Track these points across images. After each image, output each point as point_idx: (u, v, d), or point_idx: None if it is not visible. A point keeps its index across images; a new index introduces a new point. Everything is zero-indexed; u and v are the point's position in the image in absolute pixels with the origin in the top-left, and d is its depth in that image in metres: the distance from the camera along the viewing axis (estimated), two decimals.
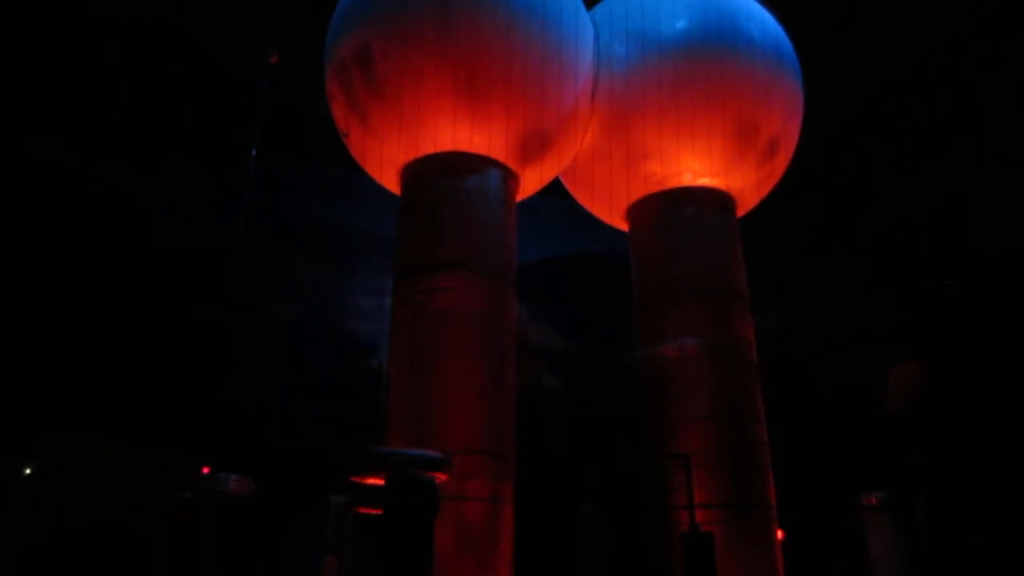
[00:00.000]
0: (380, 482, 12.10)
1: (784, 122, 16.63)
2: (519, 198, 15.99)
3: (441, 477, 11.15)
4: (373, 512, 13.00)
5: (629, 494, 15.48)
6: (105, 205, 19.08)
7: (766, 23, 16.77)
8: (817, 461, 17.63)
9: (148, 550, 16.54)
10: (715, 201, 16.57)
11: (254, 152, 16.58)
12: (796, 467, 16.25)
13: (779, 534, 14.67)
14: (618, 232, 18.19)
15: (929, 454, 15.73)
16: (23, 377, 16.25)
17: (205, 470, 14.20)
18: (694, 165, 16.21)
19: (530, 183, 16.21)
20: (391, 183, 16.07)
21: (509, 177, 15.32)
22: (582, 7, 15.91)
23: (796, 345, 20.44)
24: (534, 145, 15.17)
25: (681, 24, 16.01)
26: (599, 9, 16.91)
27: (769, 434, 15.32)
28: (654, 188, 16.50)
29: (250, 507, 15.89)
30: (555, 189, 17.76)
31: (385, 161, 15.55)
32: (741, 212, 17.38)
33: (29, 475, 13.47)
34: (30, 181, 18.09)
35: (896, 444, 17.38)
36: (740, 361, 15.49)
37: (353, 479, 12.27)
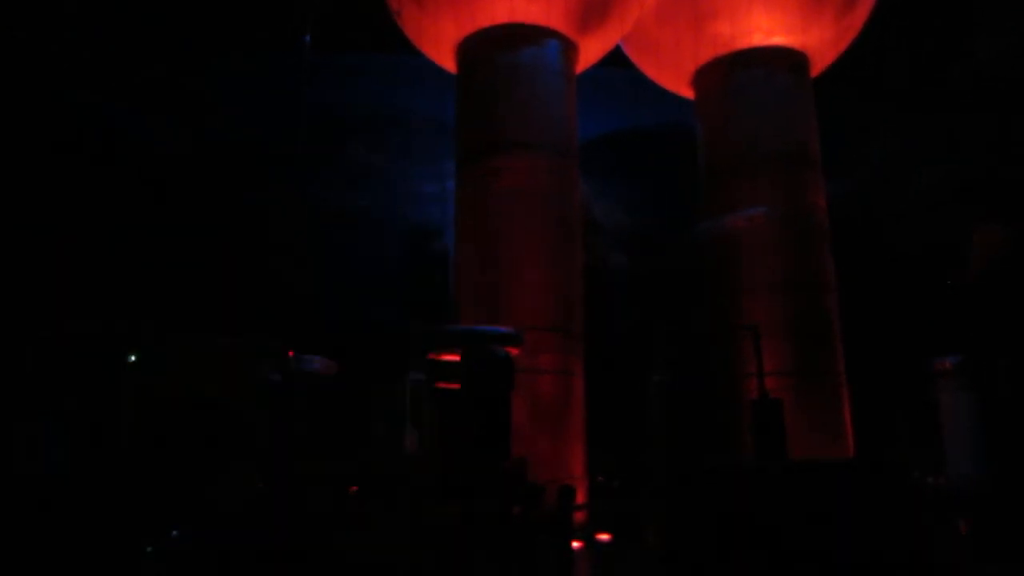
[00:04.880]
0: (455, 358, 12.60)
1: None
2: (579, 69, 15.39)
3: (513, 351, 11.51)
4: (450, 387, 13.64)
5: (698, 365, 15.69)
6: (164, 105, 19.28)
7: None
8: (890, 328, 17.37)
9: (244, 428, 17.91)
10: (787, 61, 15.59)
11: (307, 40, 16.29)
12: (869, 334, 16.07)
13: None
14: (684, 101, 17.43)
15: (1014, 317, 15.27)
16: (124, 274, 17.21)
17: (290, 353, 15.01)
18: (765, 22, 15.15)
19: (590, 53, 15.50)
20: (447, 62, 15.64)
21: (568, 48, 14.68)
22: None
23: (871, 210, 19.68)
24: (594, 10, 14.39)
25: None
26: None
27: (842, 301, 15.10)
28: (722, 50, 15.57)
29: (335, 386, 16.87)
30: (616, 58, 16.95)
31: (440, 39, 15.08)
32: (815, 72, 16.34)
33: (134, 362, 14.60)
34: (84, 83, 18.35)
35: (975, 309, 16.91)
36: (811, 229, 15.10)
37: (430, 356, 12.80)
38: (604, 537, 12.11)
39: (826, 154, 15.87)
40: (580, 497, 12.75)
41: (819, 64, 16.28)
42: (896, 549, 8.59)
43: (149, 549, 9.26)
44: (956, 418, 15.10)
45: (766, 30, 15.27)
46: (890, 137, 21.18)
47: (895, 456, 14.39)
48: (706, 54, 15.79)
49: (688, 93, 17.01)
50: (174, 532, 9.50)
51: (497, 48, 14.23)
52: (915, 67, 20.84)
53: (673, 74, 16.73)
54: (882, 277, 18.37)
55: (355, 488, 17.00)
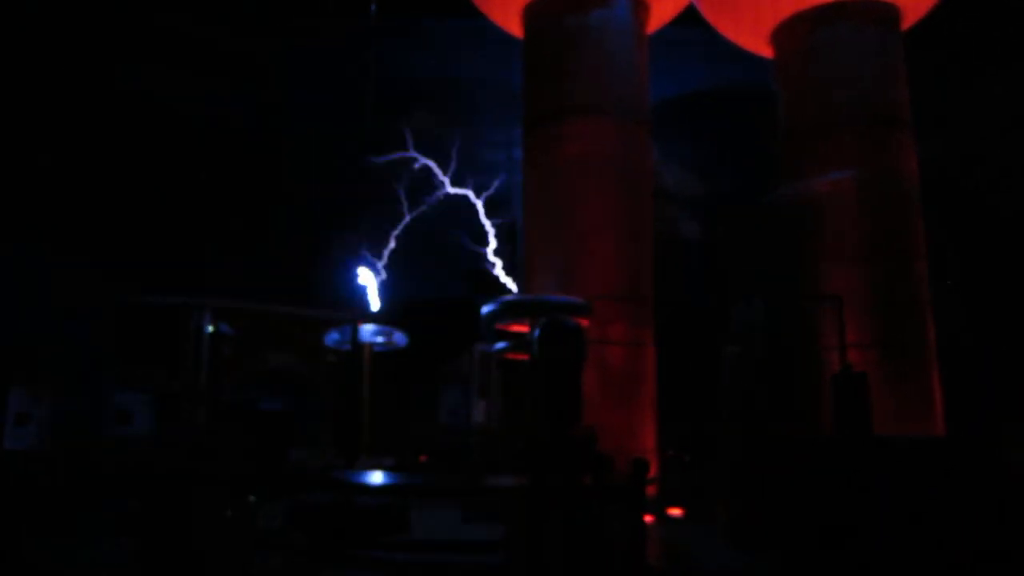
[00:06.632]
0: (524, 329, 12.48)
1: None
2: (651, 29, 14.80)
3: (584, 322, 11.28)
4: (519, 357, 13.56)
5: (773, 336, 15.10)
6: (228, 73, 19.58)
7: None
8: (989, 298, 16.31)
9: (316, 395, 18.41)
10: (875, 14, 14.59)
11: (373, 8, 16.22)
12: (964, 305, 15.12)
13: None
14: (762, 61, 16.57)
15: None
16: (201, 248, 17.77)
17: (360, 324, 15.23)
18: None
19: (663, 12, 14.89)
20: (513, 26, 15.30)
21: (639, 7, 14.14)
22: None
23: (965, 174, 18.42)
24: None
25: None
26: None
27: (932, 270, 14.23)
28: (804, 5, 14.67)
29: (404, 357, 17.05)
30: (690, 17, 16.21)
31: (506, 2, 14.77)
32: (907, 25, 15.24)
33: (213, 334, 15.15)
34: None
35: None
36: (899, 193, 14.22)
37: (498, 327, 12.72)
38: (676, 512, 11.87)
39: (918, 113, 14.84)
40: (651, 470, 12.52)
41: (911, 16, 15.18)
42: (981, 530, 8.10)
43: (229, 513, 9.54)
44: None
45: None
46: (989, 94, 19.71)
47: (989, 435, 13.54)
48: (787, 9, 14.91)
49: (767, 52, 16.16)
50: (252, 497, 9.74)
51: (565, 9, 13.82)
52: (1019, 16, 19.23)
53: (751, 32, 15.90)
54: (979, 245, 17.23)
55: (424, 457, 17.23)
